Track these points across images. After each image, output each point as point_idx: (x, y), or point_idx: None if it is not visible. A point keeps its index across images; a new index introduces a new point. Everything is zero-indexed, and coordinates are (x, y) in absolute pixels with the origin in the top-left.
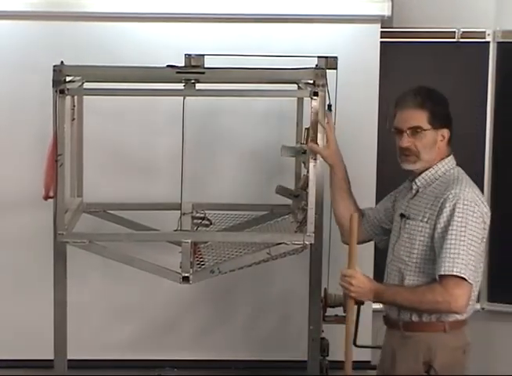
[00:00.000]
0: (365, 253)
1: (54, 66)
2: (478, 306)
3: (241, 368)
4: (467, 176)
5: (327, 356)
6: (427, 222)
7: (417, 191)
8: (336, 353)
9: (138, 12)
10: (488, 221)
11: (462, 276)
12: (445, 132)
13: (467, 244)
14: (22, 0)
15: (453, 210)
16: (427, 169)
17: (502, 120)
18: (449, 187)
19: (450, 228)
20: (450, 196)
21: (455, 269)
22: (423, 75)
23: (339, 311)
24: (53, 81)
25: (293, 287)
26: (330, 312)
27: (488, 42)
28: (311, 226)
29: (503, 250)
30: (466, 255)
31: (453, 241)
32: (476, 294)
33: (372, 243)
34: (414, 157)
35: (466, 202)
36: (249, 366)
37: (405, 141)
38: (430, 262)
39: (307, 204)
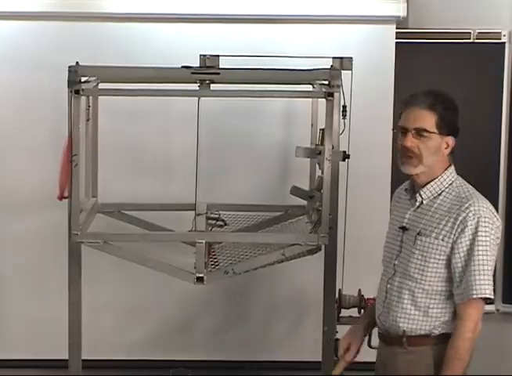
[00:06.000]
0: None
1: (69, 66)
2: (493, 308)
3: (255, 369)
4: (472, 187)
5: None
6: (442, 240)
7: (421, 203)
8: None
9: (153, 13)
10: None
11: (489, 297)
12: (450, 140)
13: (491, 264)
14: (37, 0)
15: (476, 229)
16: (431, 180)
17: None
18: (464, 202)
19: (476, 249)
20: (470, 214)
21: (487, 291)
22: (439, 76)
23: (353, 312)
24: (68, 81)
25: (307, 288)
26: (345, 313)
27: (504, 43)
28: (325, 227)
29: None
30: (490, 275)
31: (480, 262)
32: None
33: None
34: (416, 161)
35: (486, 220)
36: (263, 367)
37: (409, 141)
38: (443, 280)
39: (321, 205)
